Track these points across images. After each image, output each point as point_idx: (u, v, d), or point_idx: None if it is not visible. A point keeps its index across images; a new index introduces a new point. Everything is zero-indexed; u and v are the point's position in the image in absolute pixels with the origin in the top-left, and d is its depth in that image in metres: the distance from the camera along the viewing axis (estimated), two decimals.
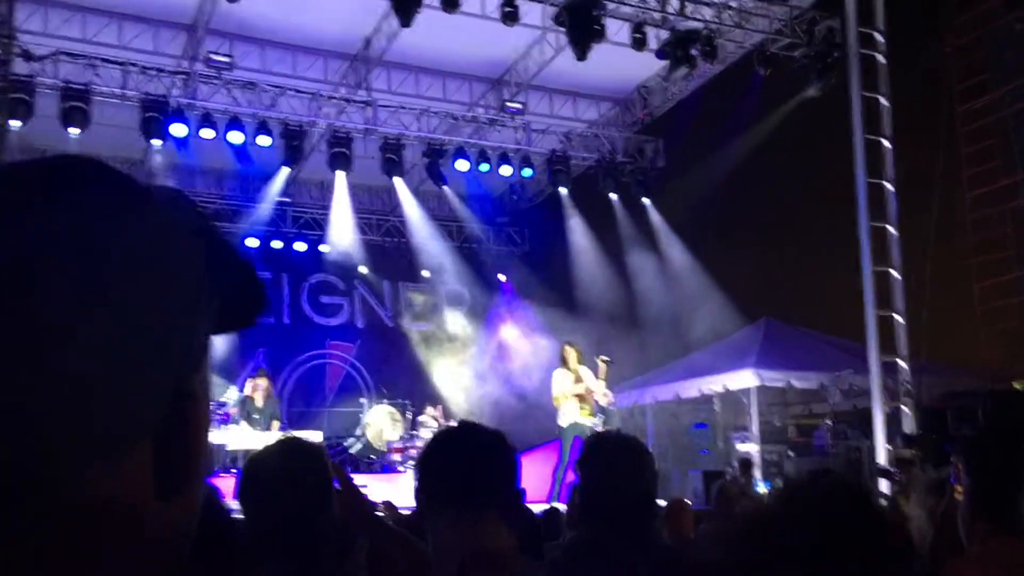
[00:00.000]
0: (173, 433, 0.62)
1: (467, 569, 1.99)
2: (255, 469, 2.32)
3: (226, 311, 0.69)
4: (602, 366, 11.24)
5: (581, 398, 11.09)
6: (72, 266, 0.58)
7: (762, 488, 11.14)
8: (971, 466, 2.34)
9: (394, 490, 10.18)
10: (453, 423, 2.40)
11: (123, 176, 0.66)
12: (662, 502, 7.03)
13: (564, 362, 11.23)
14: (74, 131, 12.74)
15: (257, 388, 12.70)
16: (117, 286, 0.59)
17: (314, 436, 12.56)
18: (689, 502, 6.50)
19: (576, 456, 2.78)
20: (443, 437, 2.25)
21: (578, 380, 11.13)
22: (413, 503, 2.36)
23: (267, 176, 16.79)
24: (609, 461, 2.58)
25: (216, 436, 12.30)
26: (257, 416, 12.48)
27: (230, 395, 13.56)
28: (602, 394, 11.24)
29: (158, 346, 0.61)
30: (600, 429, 11.10)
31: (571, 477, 8.76)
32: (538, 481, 11.08)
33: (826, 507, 1.64)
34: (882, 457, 11.67)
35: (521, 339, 17.80)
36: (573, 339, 11.71)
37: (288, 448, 2.39)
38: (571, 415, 11.05)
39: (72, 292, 0.58)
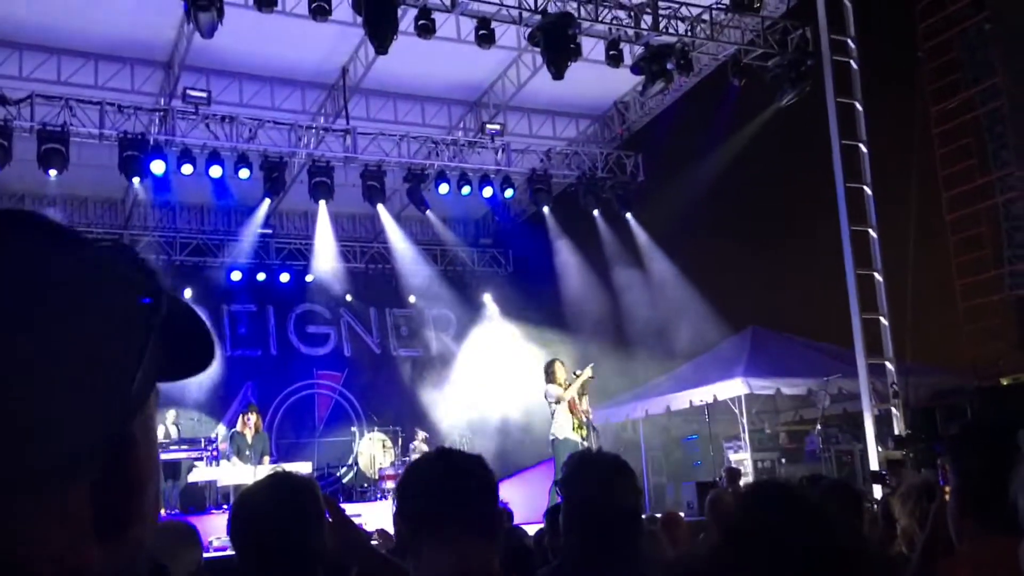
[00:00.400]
0: (111, 476, 0.63)
1: None
2: (245, 504, 2.32)
3: (174, 360, 0.72)
4: (585, 376, 11.25)
5: (572, 411, 11.09)
6: (3, 309, 0.61)
7: None
8: (956, 465, 2.35)
9: (389, 518, 10.14)
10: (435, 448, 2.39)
11: (59, 228, 0.68)
12: (657, 515, 7.04)
13: (553, 377, 11.23)
14: (53, 173, 12.71)
15: (247, 424, 12.65)
16: (44, 329, 0.61)
17: (303, 468, 12.51)
18: (683, 515, 6.49)
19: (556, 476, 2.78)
20: (420, 464, 2.24)
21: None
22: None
23: (249, 209, 16.80)
24: (591, 480, 2.58)
25: (207, 473, 12.24)
26: (247, 451, 12.42)
27: (219, 431, 13.51)
28: (585, 410, 11.27)
29: (89, 389, 0.62)
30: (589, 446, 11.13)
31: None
32: (531, 501, 11.06)
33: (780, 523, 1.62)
34: (873, 459, 11.72)
35: (509, 360, 17.81)
36: (559, 358, 11.71)
37: (278, 482, 2.39)
38: (564, 428, 11.03)
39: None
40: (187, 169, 13.70)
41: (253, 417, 12.75)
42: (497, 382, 17.03)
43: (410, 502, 2.10)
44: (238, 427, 12.78)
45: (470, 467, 2.14)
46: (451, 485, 2.08)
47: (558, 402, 11.09)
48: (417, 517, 2.07)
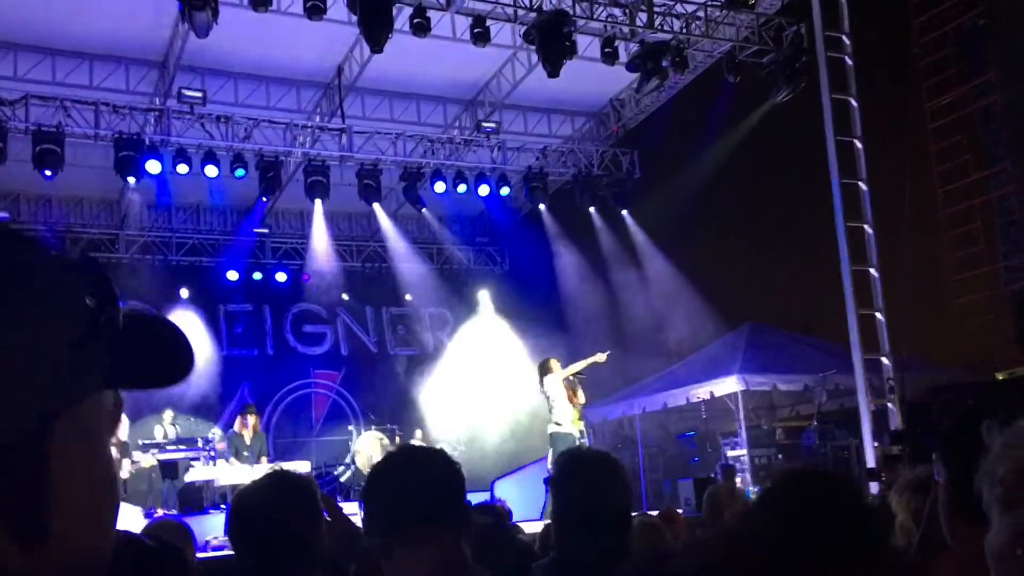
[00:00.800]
0: (19, 473, 0.62)
1: None
2: (244, 503, 2.33)
3: (140, 368, 0.74)
4: (597, 359, 11.26)
5: (570, 401, 11.08)
6: None
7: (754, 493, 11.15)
8: (945, 461, 2.36)
9: None
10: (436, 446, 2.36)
11: (10, 231, 0.70)
12: (653, 512, 7.05)
13: (548, 370, 11.21)
14: (48, 174, 12.71)
15: (245, 425, 12.65)
16: None
17: (301, 467, 12.51)
18: (680, 511, 6.51)
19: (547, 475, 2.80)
20: (383, 467, 2.20)
21: (568, 388, 11.15)
22: None
23: (245, 208, 16.80)
24: (581, 478, 2.59)
25: (204, 473, 12.24)
26: (245, 452, 12.42)
27: (215, 431, 13.51)
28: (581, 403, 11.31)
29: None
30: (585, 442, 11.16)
31: None
32: (530, 499, 11.07)
33: (803, 507, 1.64)
34: (870, 455, 11.74)
35: (505, 357, 17.82)
36: (555, 356, 11.70)
37: (276, 481, 2.40)
38: (563, 420, 11.00)
39: None
40: (183, 169, 13.71)
41: (252, 419, 12.74)
42: (493, 379, 17.04)
43: (379, 507, 2.09)
44: (236, 428, 12.77)
45: (435, 464, 2.13)
46: (417, 485, 2.07)
47: (553, 396, 11.10)
48: (387, 521, 2.06)
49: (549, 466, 10.67)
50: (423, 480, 2.09)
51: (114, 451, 0.75)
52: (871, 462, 11.59)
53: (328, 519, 2.33)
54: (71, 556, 0.65)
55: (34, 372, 0.64)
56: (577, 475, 2.61)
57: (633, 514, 2.76)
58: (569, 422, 11.05)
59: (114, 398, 0.74)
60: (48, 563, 0.63)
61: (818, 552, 1.51)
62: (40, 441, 0.64)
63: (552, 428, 11.11)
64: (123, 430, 10.72)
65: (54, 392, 0.65)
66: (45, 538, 0.63)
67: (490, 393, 17.02)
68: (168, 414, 14.04)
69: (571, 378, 11.25)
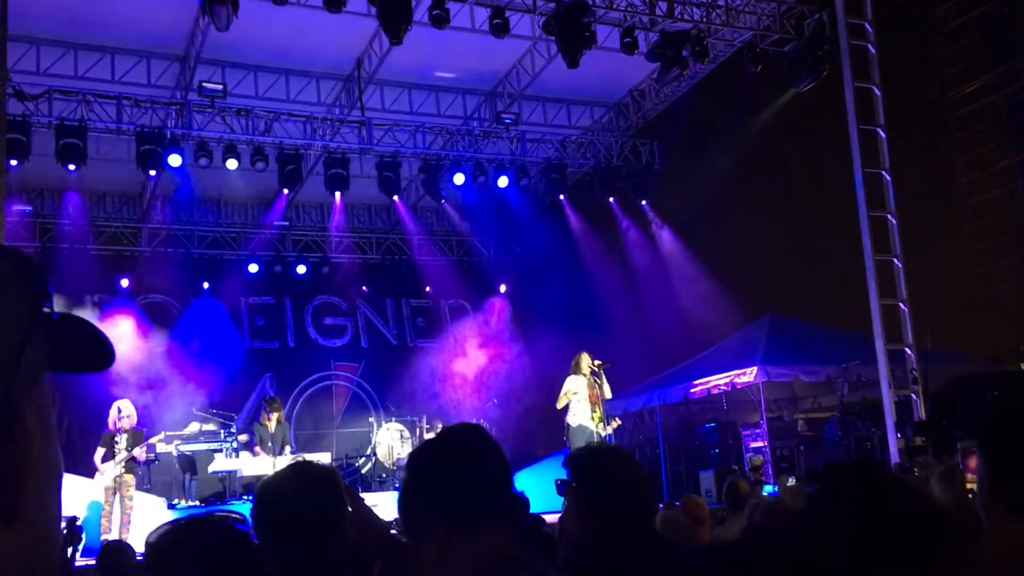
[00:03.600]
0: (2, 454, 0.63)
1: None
2: (268, 493, 2.34)
3: (70, 356, 0.83)
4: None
5: (593, 402, 11.14)
6: None
7: (769, 489, 11.09)
8: (986, 449, 2.34)
9: None
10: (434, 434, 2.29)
11: None
12: (676, 502, 7.04)
13: (577, 367, 11.32)
14: (71, 167, 12.82)
15: (269, 417, 12.73)
16: None
17: (322, 458, 12.57)
18: (701, 499, 6.49)
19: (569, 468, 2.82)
20: (439, 449, 2.13)
21: (592, 386, 11.20)
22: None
23: (266, 201, 16.86)
24: (598, 465, 2.72)
25: (227, 464, 12.31)
26: (269, 443, 12.50)
27: (238, 423, 13.58)
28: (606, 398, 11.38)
29: None
30: (606, 435, 11.20)
31: None
32: (549, 491, 11.06)
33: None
34: (893, 447, 11.66)
35: (524, 349, 17.83)
36: (585, 351, 11.72)
37: (300, 471, 2.41)
38: (581, 416, 11.10)
39: None
40: (204, 162, 13.78)
41: (276, 414, 12.81)
42: (513, 372, 17.04)
43: (432, 492, 2.02)
44: (262, 419, 12.86)
45: (490, 451, 2.09)
46: (476, 468, 2.03)
47: (573, 391, 11.22)
48: (433, 509, 2.00)
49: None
50: (480, 468, 2.04)
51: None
52: (894, 454, 11.51)
53: (350, 510, 2.34)
54: (33, 537, 0.66)
55: (5, 345, 0.70)
56: (594, 463, 2.72)
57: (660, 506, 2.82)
58: (586, 417, 11.08)
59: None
60: (22, 544, 0.64)
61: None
62: (11, 416, 0.67)
63: (568, 423, 11.20)
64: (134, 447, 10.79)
65: (17, 374, 0.70)
66: (14, 518, 0.64)
67: (509, 384, 17.03)
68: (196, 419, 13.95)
69: (594, 372, 11.27)
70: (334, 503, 2.27)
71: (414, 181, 16.23)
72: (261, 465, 11.92)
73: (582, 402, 11.18)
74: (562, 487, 2.80)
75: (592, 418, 11.13)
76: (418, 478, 2.08)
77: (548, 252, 17.77)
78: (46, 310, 0.79)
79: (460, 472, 2.03)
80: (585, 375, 11.29)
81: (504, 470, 2.08)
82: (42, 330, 0.76)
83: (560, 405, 11.36)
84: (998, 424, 2.42)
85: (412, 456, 2.14)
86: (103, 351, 0.91)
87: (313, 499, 2.25)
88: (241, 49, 13.43)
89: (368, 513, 2.42)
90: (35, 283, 0.79)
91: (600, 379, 11.34)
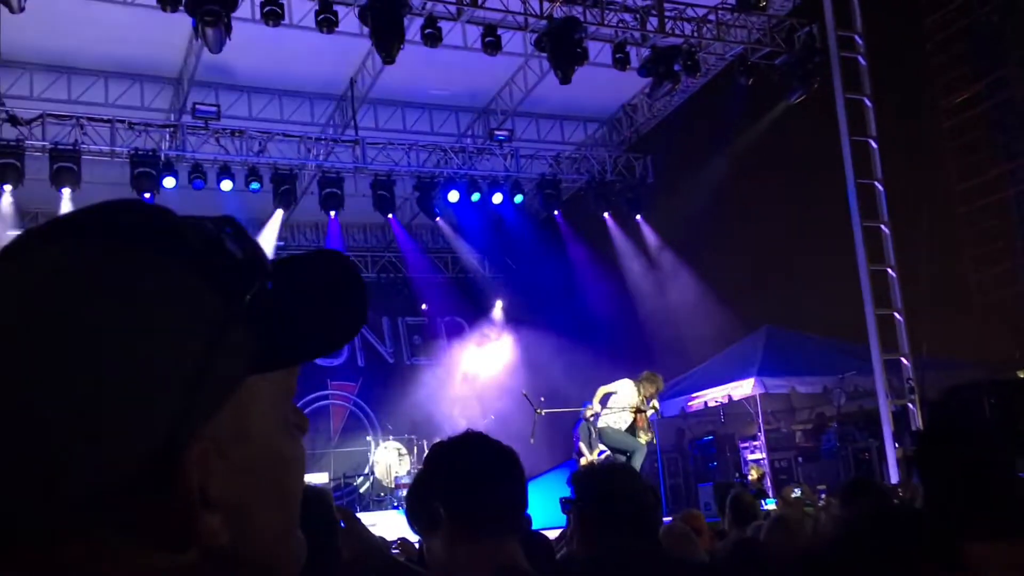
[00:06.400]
0: (162, 484, 0.58)
1: None
2: None
3: (292, 344, 0.64)
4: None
5: (637, 423, 10.98)
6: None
7: (771, 506, 11.02)
8: (922, 476, 2.29)
9: (406, 526, 10.12)
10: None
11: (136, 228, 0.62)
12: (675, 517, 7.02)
13: (643, 383, 11.05)
14: (66, 192, 12.82)
15: None
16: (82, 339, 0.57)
17: (320, 478, 12.53)
18: (699, 511, 6.49)
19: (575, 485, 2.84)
20: (465, 452, 2.07)
21: (638, 407, 11.01)
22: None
23: (260, 222, 16.86)
24: (599, 480, 2.77)
25: None
26: None
27: None
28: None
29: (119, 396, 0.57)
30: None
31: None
32: (548, 507, 11.02)
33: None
34: (891, 456, 11.65)
35: (521, 364, 17.80)
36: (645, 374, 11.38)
37: None
38: (610, 419, 10.94)
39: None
40: (198, 184, 13.78)
41: None
42: (510, 388, 17.01)
43: (456, 496, 1.96)
44: None
45: (510, 460, 2.04)
46: (509, 484, 1.99)
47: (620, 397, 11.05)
48: (445, 516, 1.95)
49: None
50: (503, 476, 2.00)
51: None
52: (892, 464, 11.50)
53: (344, 529, 2.33)
54: (237, 553, 0.61)
55: (150, 396, 0.57)
56: (596, 478, 2.81)
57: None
58: (620, 422, 10.93)
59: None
60: (208, 566, 0.60)
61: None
62: (181, 448, 0.58)
63: (602, 423, 11.07)
64: None
65: (178, 410, 0.58)
66: (186, 546, 0.59)
67: (506, 401, 17.00)
68: None
69: (646, 402, 11.05)
70: (325, 521, 2.27)
71: (409, 199, 16.25)
72: None
73: (622, 410, 10.99)
74: (566, 505, 2.79)
75: (642, 436, 10.95)
76: (442, 468, 2.04)
77: (543, 268, 17.78)
78: (253, 296, 0.61)
79: (488, 475, 2.00)
80: (642, 395, 10.96)
81: (523, 480, 2.05)
82: (242, 323, 0.60)
83: (597, 398, 11.09)
84: (924, 451, 2.34)
85: (442, 453, 2.09)
86: (343, 320, 0.65)
87: (303, 517, 2.24)
88: (234, 71, 13.48)
89: (363, 532, 2.42)
90: (227, 276, 0.62)
91: (644, 406, 11.08)
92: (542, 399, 11.29)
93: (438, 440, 2.18)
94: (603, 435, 11.11)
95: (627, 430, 10.94)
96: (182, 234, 0.62)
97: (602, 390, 11.15)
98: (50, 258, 0.60)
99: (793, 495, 10.09)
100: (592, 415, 11.42)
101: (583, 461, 11.52)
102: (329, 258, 0.68)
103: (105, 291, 0.58)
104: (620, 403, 11.01)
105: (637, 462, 10.44)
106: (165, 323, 0.58)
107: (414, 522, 2.11)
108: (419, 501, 2.08)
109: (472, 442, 2.09)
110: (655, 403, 11.24)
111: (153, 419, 0.57)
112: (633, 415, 10.93)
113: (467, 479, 1.98)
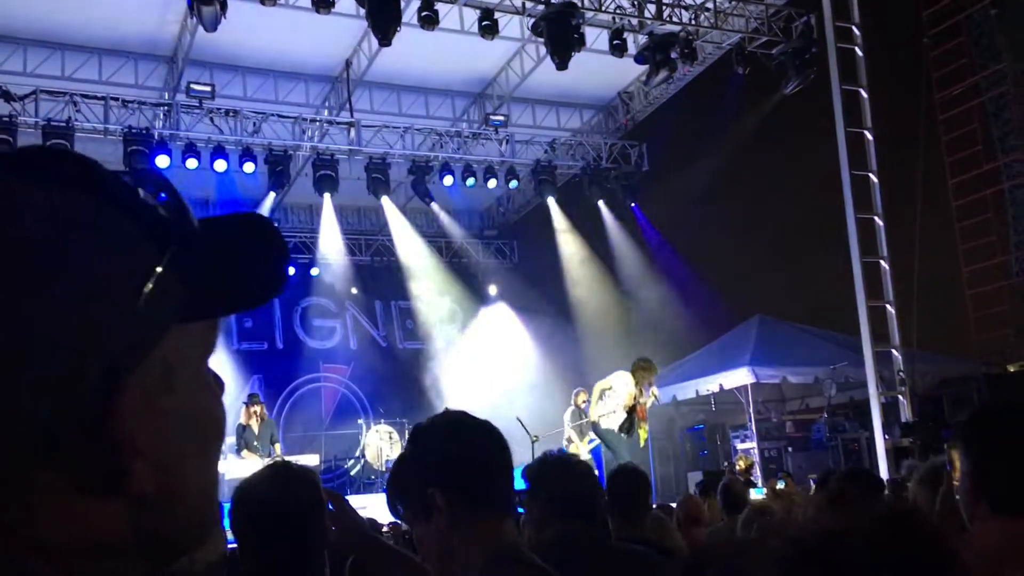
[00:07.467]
0: (94, 428, 0.58)
1: (498, 567, 1.89)
2: (245, 495, 2.32)
3: (218, 293, 0.66)
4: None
5: (635, 414, 10.91)
6: None
7: (759, 490, 11.04)
8: (968, 448, 2.35)
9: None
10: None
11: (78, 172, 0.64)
12: (672, 504, 7.04)
13: (637, 372, 10.89)
14: None
15: (252, 415, 12.61)
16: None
17: (311, 460, 12.51)
18: (699, 499, 6.47)
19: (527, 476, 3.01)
20: (470, 433, 2.01)
21: (635, 397, 10.86)
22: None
23: (254, 203, 16.79)
24: (554, 474, 2.96)
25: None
26: (256, 443, 12.41)
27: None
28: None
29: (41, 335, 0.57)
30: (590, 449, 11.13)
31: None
32: None
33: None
34: (880, 447, 11.69)
35: (514, 351, 17.80)
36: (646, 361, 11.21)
37: (277, 473, 2.39)
38: (609, 420, 10.89)
39: None
40: (192, 163, 13.71)
41: (257, 408, 12.70)
42: (503, 374, 17.02)
43: (465, 477, 1.92)
44: (242, 420, 12.67)
45: (497, 436, 2.02)
46: (502, 463, 1.97)
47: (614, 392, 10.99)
48: (461, 495, 1.90)
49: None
50: (505, 458, 1.98)
51: None
52: (882, 455, 11.53)
53: (332, 511, 2.32)
54: (161, 506, 0.61)
55: (87, 336, 0.58)
56: (550, 472, 2.98)
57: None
58: (614, 422, 10.88)
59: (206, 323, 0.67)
60: (135, 517, 0.60)
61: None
62: (108, 398, 0.59)
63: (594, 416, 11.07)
64: None
65: (114, 351, 0.59)
66: (118, 488, 0.59)
67: (498, 387, 17.01)
68: None
69: (644, 391, 10.96)
70: (312, 503, 2.26)
71: (403, 183, 16.20)
72: (248, 466, 11.82)
73: (612, 412, 10.91)
74: (521, 495, 2.83)
75: (640, 431, 10.89)
76: (434, 452, 1.97)
77: (537, 254, 17.77)
78: (177, 248, 0.63)
79: (484, 456, 1.96)
80: (639, 384, 10.78)
81: (511, 455, 2.02)
82: (171, 269, 0.62)
83: (596, 396, 11.01)
84: (979, 423, 2.43)
85: (424, 430, 2.04)
86: (264, 276, 0.69)
87: (291, 499, 2.23)
88: (229, 50, 13.39)
89: (351, 513, 2.40)
90: (156, 224, 0.64)
91: (642, 396, 10.90)
92: (535, 437, 11.23)
93: (418, 423, 2.11)
94: (596, 428, 11.12)
95: (627, 424, 10.90)
96: (115, 183, 0.65)
97: (599, 387, 11.12)
98: None
99: (778, 487, 10.11)
100: (584, 402, 11.42)
101: (572, 448, 11.51)
102: (254, 220, 0.74)
103: (44, 225, 0.59)
104: (617, 400, 10.96)
105: (622, 460, 10.40)
106: (104, 261, 0.60)
107: (403, 509, 2.05)
108: (408, 488, 2.00)
109: (458, 422, 2.04)
110: (654, 390, 11.19)
111: (95, 351, 0.58)
112: (627, 413, 10.88)
113: (463, 463, 1.93)
